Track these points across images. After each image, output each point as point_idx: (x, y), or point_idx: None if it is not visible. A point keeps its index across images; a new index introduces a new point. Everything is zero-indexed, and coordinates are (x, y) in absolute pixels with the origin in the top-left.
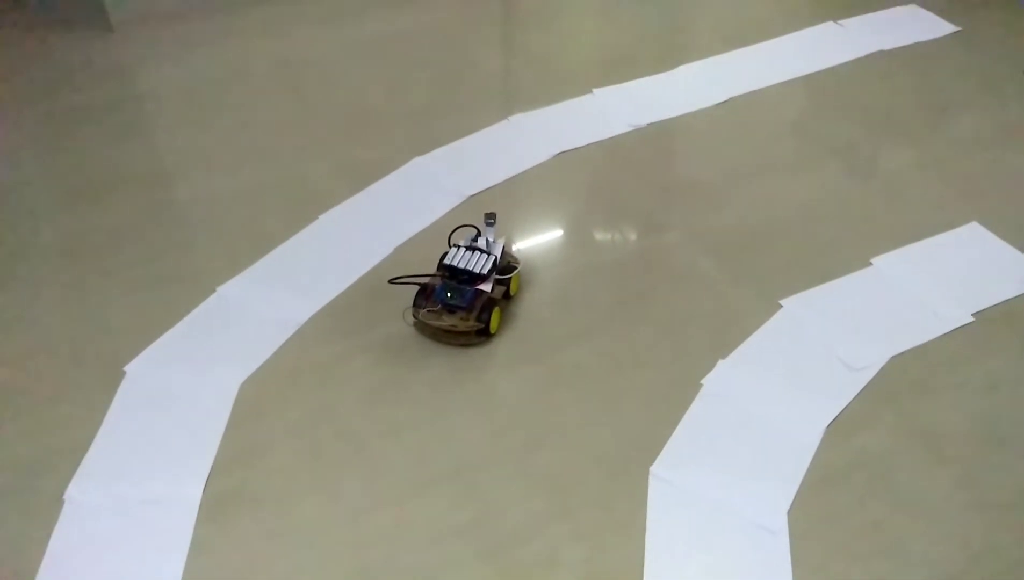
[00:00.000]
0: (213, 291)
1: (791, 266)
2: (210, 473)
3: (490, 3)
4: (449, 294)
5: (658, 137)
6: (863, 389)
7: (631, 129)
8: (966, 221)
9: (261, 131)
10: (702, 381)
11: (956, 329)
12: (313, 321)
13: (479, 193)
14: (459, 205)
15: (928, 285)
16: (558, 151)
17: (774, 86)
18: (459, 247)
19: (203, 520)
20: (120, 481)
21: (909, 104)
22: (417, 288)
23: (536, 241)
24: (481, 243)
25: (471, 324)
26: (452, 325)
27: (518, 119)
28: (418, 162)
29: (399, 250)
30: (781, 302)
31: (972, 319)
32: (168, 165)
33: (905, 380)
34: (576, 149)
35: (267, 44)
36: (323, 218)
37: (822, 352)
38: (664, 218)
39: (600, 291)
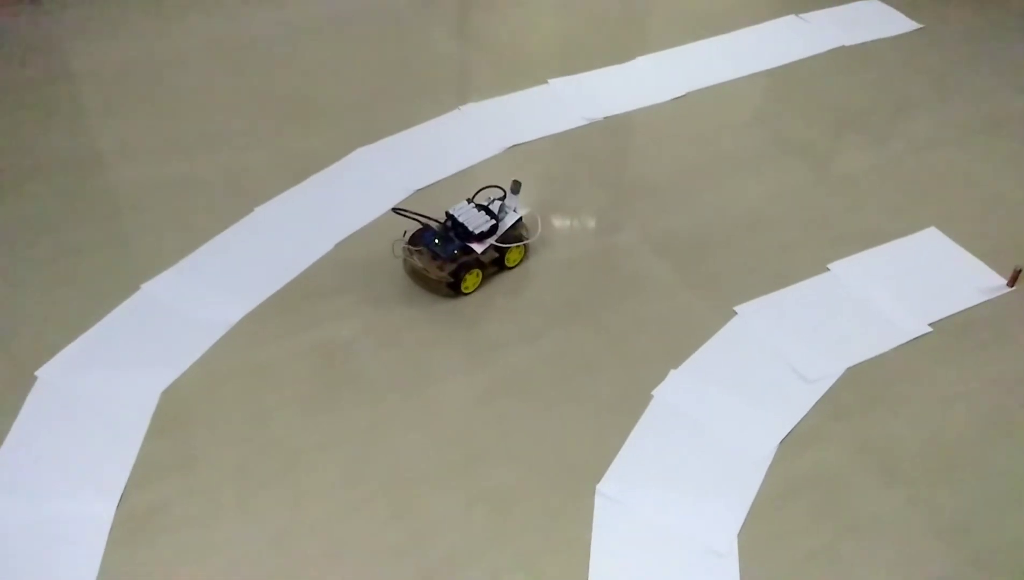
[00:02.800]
0: (137, 289)
1: (746, 270)
2: (124, 490)
3: None
4: (437, 240)
5: (613, 131)
6: (817, 402)
7: (586, 123)
8: (924, 226)
9: (196, 117)
10: (652, 392)
11: (913, 339)
12: (244, 322)
13: (426, 187)
14: (404, 200)
15: (885, 293)
16: (510, 144)
17: (733, 81)
18: (470, 202)
19: (114, 543)
20: (25, 498)
21: (869, 103)
22: (418, 226)
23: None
24: (495, 206)
25: (440, 274)
26: (424, 269)
27: (470, 109)
28: (362, 153)
29: (339, 247)
30: (735, 309)
31: (929, 329)
32: (94, 151)
33: (860, 394)
34: (529, 143)
35: (207, 23)
36: (258, 211)
37: (776, 362)
38: (617, 217)
39: (549, 293)
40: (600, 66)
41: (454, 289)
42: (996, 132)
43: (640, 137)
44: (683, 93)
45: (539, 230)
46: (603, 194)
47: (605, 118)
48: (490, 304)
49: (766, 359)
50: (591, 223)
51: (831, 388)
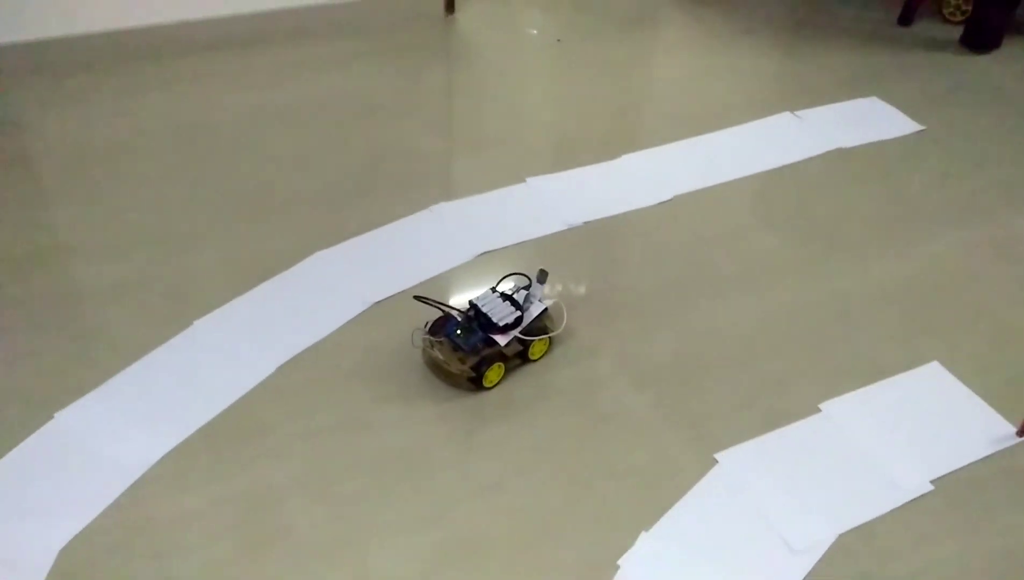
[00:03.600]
0: (50, 417)
1: (730, 408)
2: None
3: (427, 69)
4: (459, 331)
5: (593, 239)
6: (805, 577)
7: (565, 228)
8: (926, 359)
9: (146, 209)
10: (619, 561)
11: (913, 500)
12: (166, 462)
13: (385, 299)
14: (360, 314)
15: (883, 441)
16: (482, 250)
17: (723, 184)
18: (495, 291)
19: None
20: None
21: (869, 214)
22: (440, 314)
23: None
24: (519, 296)
25: (462, 368)
26: (445, 361)
27: (441, 209)
28: (320, 257)
29: (282, 370)
30: (717, 456)
31: (931, 487)
32: (26, 246)
33: (852, 568)
34: (503, 249)
35: (167, 105)
36: (198, 325)
37: (760, 526)
38: (594, 341)
39: (511, 432)
40: (584, 164)
41: (476, 383)
42: (1005, 254)
43: (622, 247)
44: (670, 197)
45: (564, 322)
46: (580, 312)
47: (585, 224)
48: (446, 438)
49: (748, 521)
50: (565, 346)
51: (820, 560)
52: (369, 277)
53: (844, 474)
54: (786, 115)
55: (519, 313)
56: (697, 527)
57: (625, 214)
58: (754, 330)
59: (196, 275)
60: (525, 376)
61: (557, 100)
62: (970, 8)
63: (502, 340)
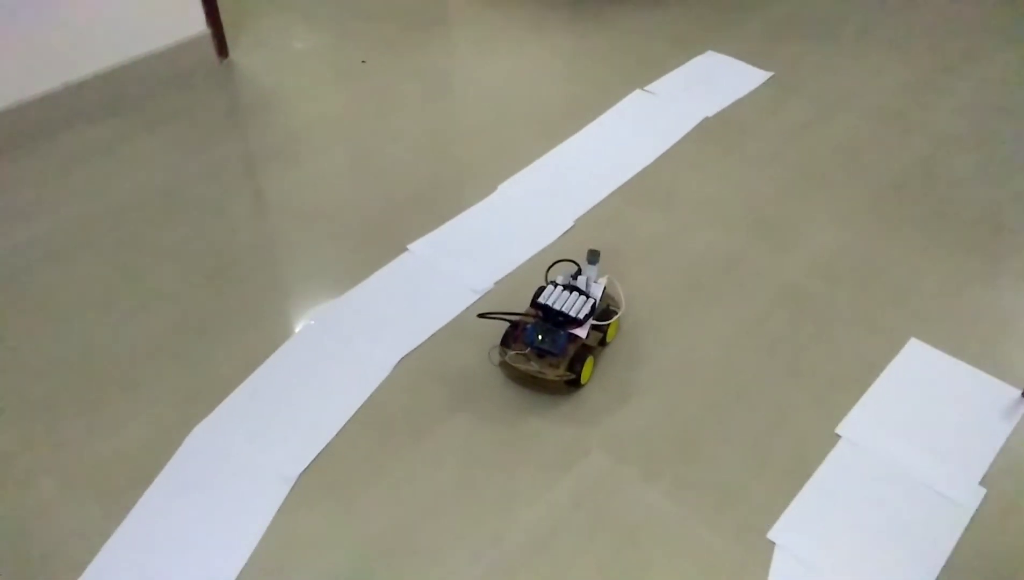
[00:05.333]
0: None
1: (746, 475)
2: None
3: (219, 134)
4: (540, 337)
5: (513, 299)
6: None
7: (476, 297)
8: (902, 338)
9: None
10: None
11: (974, 512)
12: None
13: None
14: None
15: (914, 454)
16: (399, 359)
17: (617, 192)
18: (556, 285)
19: None
20: None
21: (760, 189)
22: (507, 326)
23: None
24: (581, 282)
25: (561, 373)
26: (540, 371)
27: (323, 317)
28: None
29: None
30: (771, 538)
31: (983, 490)
32: None
33: None
34: (417, 349)
35: None
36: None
37: None
38: (570, 432)
39: None
40: (459, 207)
41: (574, 385)
42: (902, 194)
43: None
44: (572, 223)
45: (622, 296)
46: (530, 399)
47: (496, 284)
48: None
49: None
50: (542, 443)
51: None
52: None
53: (896, 506)
54: (637, 93)
55: (590, 299)
56: None
57: (535, 258)
58: (723, 364)
59: None
60: (525, 509)
61: (389, 137)
62: None
63: (582, 332)
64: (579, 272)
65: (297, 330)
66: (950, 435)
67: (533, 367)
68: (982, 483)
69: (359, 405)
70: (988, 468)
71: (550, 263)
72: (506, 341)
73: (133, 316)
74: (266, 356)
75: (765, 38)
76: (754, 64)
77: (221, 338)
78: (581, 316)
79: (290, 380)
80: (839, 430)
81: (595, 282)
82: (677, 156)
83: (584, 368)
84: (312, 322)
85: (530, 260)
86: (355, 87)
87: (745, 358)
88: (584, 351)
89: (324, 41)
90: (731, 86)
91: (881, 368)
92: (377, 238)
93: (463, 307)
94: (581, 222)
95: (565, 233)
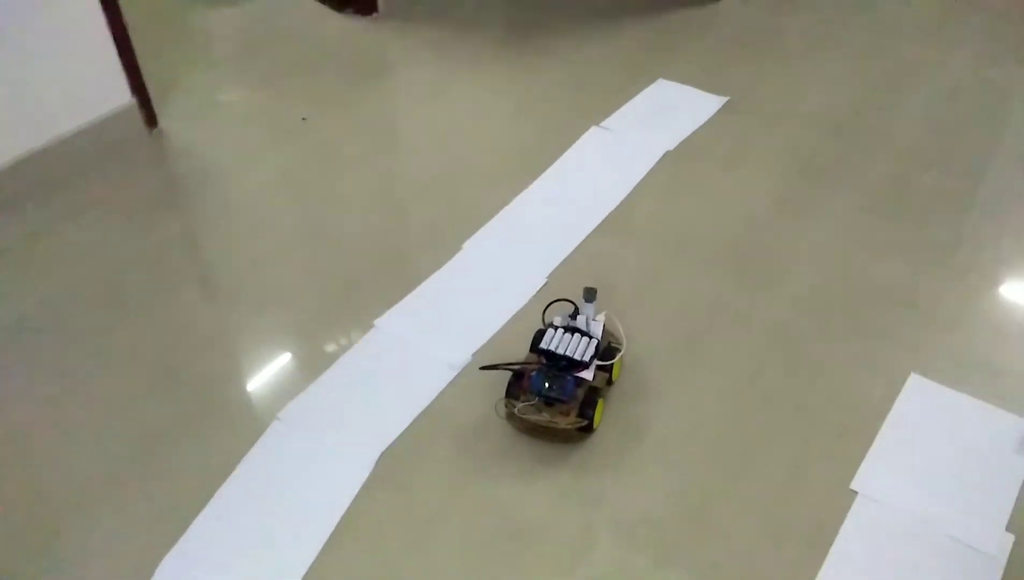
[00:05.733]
0: None
1: (759, 549)
2: None
3: (155, 217)
4: (547, 384)
5: (493, 375)
6: None
7: (455, 373)
8: (903, 374)
9: None
10: None
11: (1006, 562)
12: None
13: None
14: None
15: (934, 506)
16: (378, 454)
17: (588, 239)
18: (555, 328)
19: None
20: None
21: (726, 223)
22: (510, 375)
23: None
24: (580, 322)
25: (572, 420)
26: (552, 421)
27: (289, 415)
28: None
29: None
30: None
31: (1012, 537)
32: None
33: None
34: (398, 439)
35: None
36: None
37: None
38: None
39: None
40: (423, 273)
41: (586, 430)
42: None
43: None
44: (544, 280)
45: (622, 332)
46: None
47: (473, 356)
48: None
49: None
50: (543, 542)
51: None
52: None
53: (926, 566)
54: (594, 130)
55: (593, 339)
56: None
57: (514, 321)
58: (725, 422)
59: None
60: None
61: (340, 201)
62: None
63: (588, 375)
64: (576, 311)
65: (263, 432)
66: (968, 478)
67: (544, 417)
68: (1009, 528)
69: (341, 514)
70: (1012, 510)
71: (545, 305)
72: (512, 391)
73: (83, 438)
74: (232, 466)
75: (714, 60)
76: (707, 89)
77: (181, 451)
78: (587, 358)
79: (260, 493)
80: (854, 485)
81: (594, 320)
82: (643, 195)
83: (596, 414)
84: (279, 420)
85: (507, 325)
86: (297, 147)
87: (746, 414)
88: (593, 394)
89: (259, 99)
90: (688, 115)
91: (886, 409)
92: (340, 316)
93: (441, 386)
94: (555, 275)
95: (540, 289)
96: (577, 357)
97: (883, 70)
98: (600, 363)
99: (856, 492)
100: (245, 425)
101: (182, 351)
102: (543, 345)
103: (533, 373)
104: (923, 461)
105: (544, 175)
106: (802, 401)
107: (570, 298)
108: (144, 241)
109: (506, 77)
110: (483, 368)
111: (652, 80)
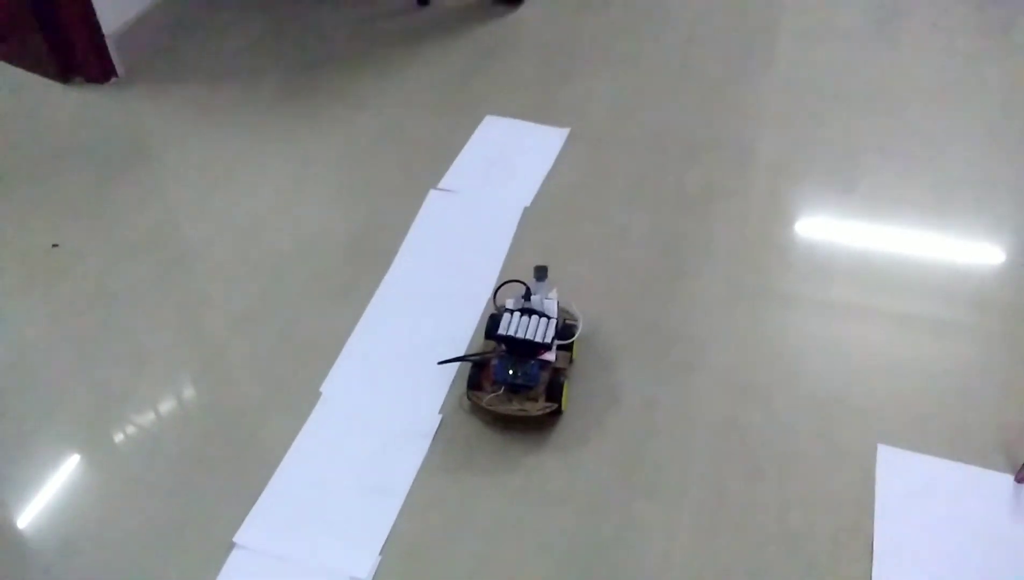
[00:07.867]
0: None
1: None
2: None
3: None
4: (512, 372)
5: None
6: None
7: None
8: (870, 447)
9: None
10: None
11: None
12: None
13: None
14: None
15: None
16: None
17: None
18: (511, 312)
19: None
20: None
21: (632, 290)
22: (470, 367)
23: None
24: (535, 302)
25: (542, 405)
26: (522, 410)
27: None
28: None
29: None
30: None
31: None
32: None
33: None
34: None
35: None
36: None
37: None
38: None
39: None
40: (270, 470)
41: (557, 414)
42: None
43: None
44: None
45: (575, 307)
46: None
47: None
48: None
49: None
50: None
51: None
52: None
53: None
54: (432, 194)
55: (551, 319)
56: None
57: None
58: (705, 557)
59: None
60: None
61: (134, 369)
62: None
63: (551, 356)
64: (529, 292)
65: None
66: (972, 559)
67: (514, 407)
68: None
69: None
70: None
71: (496, 287)
72: (475, 383)
73: None
74: None
75: (538, 83)
76: (542, 120)
77: None
78: (548, 339)
79: None
80: None
81: (547, 299)
82: (515, 267)
83: (563, 396)
84: None
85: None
86: (53, 290)
87: (727, 543)
88: (557, 375)
89: None
90: (534, 158)
91: (871, 495)
92: (180, 558)
93: None
94: (446, 409)
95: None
96: (538, 339)
97: (712, 75)
98: (560, 343)
99: None
100: None
101: None
102: (501, 331)
103: (495, 361)
104: (927, 546)
105: (390, 272)
106: (786, 511)
107: (521, 279)
108: None
109: (309, 142)
110: (441, 362)
111: (479, 118)
